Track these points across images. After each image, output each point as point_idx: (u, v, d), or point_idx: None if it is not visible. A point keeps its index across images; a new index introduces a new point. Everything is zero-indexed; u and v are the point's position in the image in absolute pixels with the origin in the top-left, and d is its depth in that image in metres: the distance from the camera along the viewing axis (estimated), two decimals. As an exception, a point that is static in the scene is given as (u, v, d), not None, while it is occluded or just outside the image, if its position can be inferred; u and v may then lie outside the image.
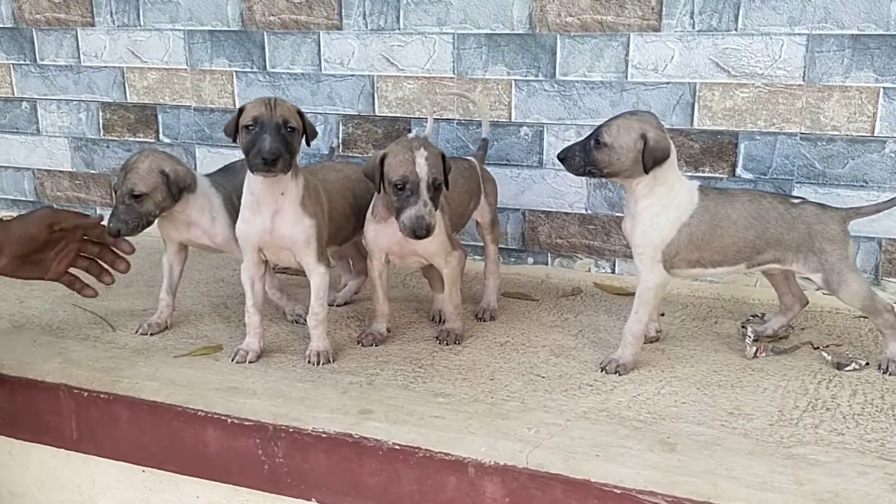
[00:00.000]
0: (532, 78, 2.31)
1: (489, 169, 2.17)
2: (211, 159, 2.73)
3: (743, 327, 1.93)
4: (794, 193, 2.11)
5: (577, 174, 1.76)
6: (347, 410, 1.59)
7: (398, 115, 2.47)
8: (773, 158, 2.13)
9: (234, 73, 2.65)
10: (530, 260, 2.44)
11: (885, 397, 1.65)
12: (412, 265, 1.97)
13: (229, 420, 1.61)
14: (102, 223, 1.83)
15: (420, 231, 1.67)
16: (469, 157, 2.12)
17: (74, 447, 1.78)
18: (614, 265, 2.35)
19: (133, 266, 1.96)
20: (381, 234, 1.83)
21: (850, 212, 1.76)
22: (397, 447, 1.50)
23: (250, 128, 1.69)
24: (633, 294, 1.78)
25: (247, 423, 1.59)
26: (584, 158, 1.71)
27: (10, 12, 2.86)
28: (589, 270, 2.38)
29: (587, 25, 2.22)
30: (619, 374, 1.75)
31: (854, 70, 2.03)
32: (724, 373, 1.76)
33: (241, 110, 1.72)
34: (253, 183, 1.73)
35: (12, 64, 2.91)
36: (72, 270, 1.84)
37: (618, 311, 2.12)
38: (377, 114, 2.50)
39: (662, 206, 1.70)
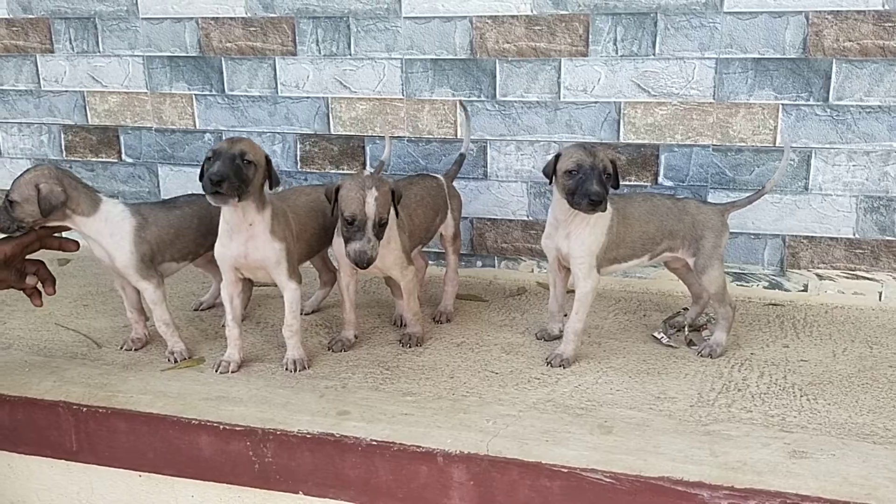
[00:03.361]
0: (475, 98, 2.53)
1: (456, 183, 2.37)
2: (174, 177, 2.89)
3: (663, 324, 2.19)
4: (709, 198, 2.40)
5: None
6: (327, 413, 1.80)
7: (352, 133, 2.67)
8: (689, 168, 2.41)
9: (194, 96, 2.80)
10: (479, 263, 2.68)
11: (788, 377, 1.94)
12: (375, 275, 2.17)
13: (221, 427, 1.80)
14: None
15: (361, 263, 1.87)
16: (437, 175, 2.32)
17: (74, 458, 1.95)
18: (555, 266, 2.60)
19: (105, 283, 2.07)
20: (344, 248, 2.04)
21: (727, 206, 2.06)
22: (374, 443, 1.72)
23: (209, 159, 1.83)
24: (572, 291, 2.02)
25: (238, 429, 1.79)
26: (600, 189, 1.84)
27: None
28: (532, 271, 2.63)
29: (523, 51, 2.45)
30: (563, 368, 1.99)
31: (757, 89, 2.31)
32: (652, 361, 2.03)
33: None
34: (224, 212, 1.90)
35: (-29, 89, 3.01)
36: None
37: (559, 308, 2.37)
38: (333, 132, 2.69)
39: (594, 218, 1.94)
